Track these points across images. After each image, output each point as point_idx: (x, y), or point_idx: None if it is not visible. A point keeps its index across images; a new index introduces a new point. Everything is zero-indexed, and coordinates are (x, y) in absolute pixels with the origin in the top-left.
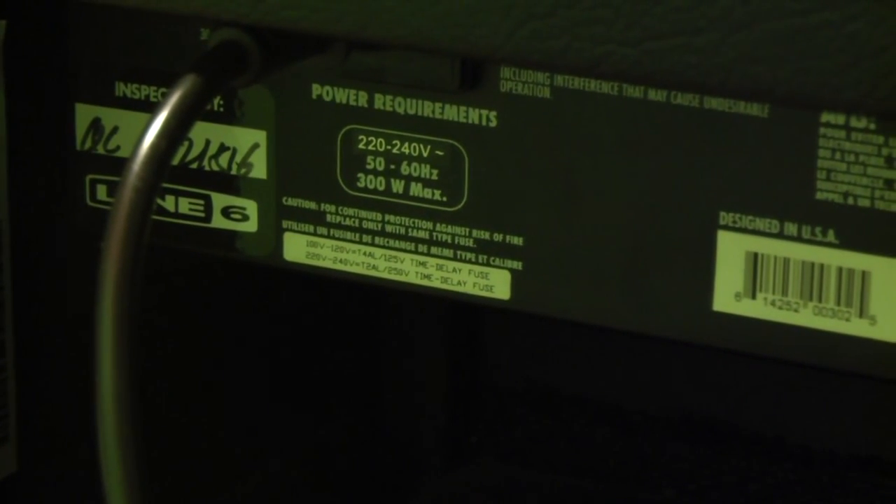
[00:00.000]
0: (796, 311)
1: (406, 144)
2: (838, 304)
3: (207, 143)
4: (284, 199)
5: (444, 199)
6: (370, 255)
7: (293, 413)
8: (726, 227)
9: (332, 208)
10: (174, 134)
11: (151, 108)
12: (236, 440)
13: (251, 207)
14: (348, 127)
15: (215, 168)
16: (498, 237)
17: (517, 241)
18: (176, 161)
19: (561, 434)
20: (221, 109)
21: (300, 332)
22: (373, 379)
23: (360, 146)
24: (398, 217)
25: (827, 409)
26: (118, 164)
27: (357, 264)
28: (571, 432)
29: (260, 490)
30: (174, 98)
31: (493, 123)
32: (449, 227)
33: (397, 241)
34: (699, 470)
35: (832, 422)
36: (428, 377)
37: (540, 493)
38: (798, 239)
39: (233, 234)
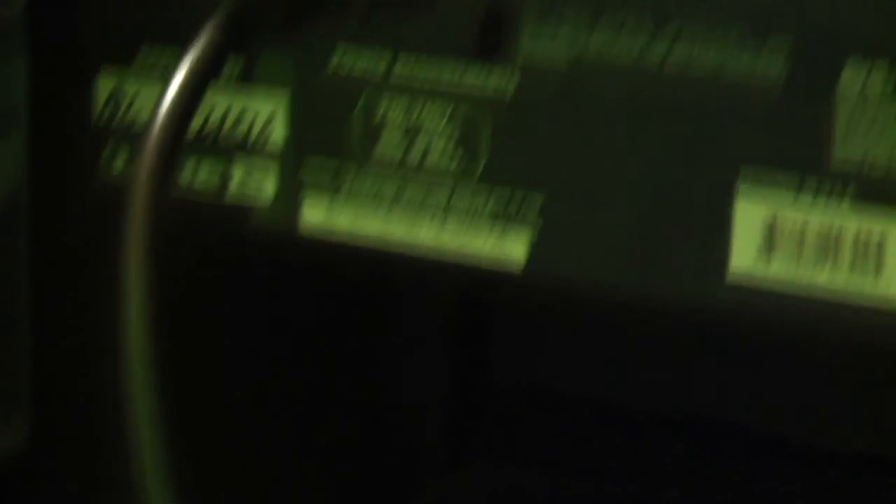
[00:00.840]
0: (811, 276)
1: (425, 110)
2: (853, 269)
3: (227, 111)
4: (302, 167)
5: (462, 164)
6: (387, 221)
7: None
8: (743, 193)
9: (350, 175)
10: (192, 95)
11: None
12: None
13: (268, 176)
14: (367, 92)
15: (232, 137)
16: (514, 203)
17: (534, 206)
18: (192, 130)
19: (565, 434)
20: (240, 77)
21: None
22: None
23: (380, 111)
24: (416, 183)
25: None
26: (136, 137)
27: (374, 231)
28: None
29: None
30: (191, 58)
31: (513, 88)
32: (466, 192)
33: (414, 207)
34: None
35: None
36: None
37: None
38: (814, 203)
39: (249, 204)
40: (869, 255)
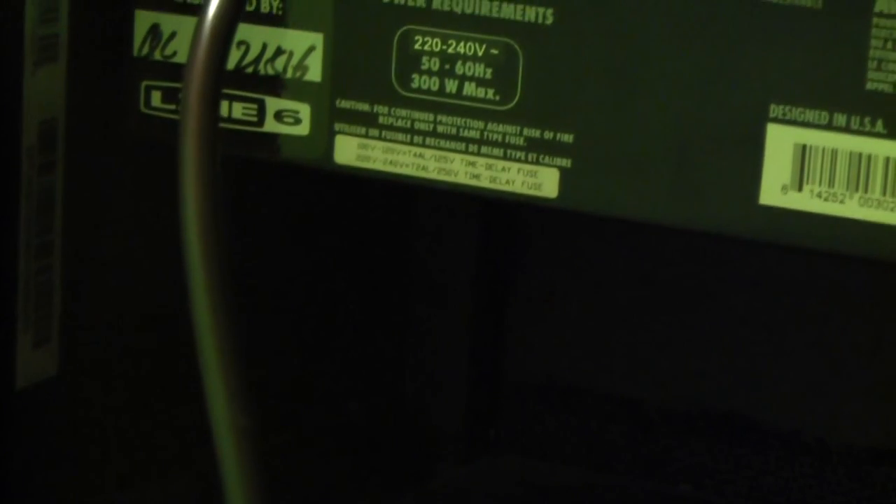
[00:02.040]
0: (842, 202)
1: (462, 44)
2: (884, 194)
3: (264, 46)
4: (338, 101)
5: (497, 97)
6: (420, 155)
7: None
8: (776, 120)
9: (385, 110)
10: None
11: None
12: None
13: (304, 110)
14: (405, 27)
15: (270, 72)
16: (548, 135)
17: (567, 138)
18: (231, 66)
19: (579, 428)
20: (279, 12)
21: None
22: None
23: (416, 47)
24: (450, 117)
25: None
26: (174, 71)
27: (407, 165)
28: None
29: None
30: None
31: (549, 21)
32: (500, 126)
33: (448, 142)
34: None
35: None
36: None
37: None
38: (846, 130)
39: (285, 138)
40: None
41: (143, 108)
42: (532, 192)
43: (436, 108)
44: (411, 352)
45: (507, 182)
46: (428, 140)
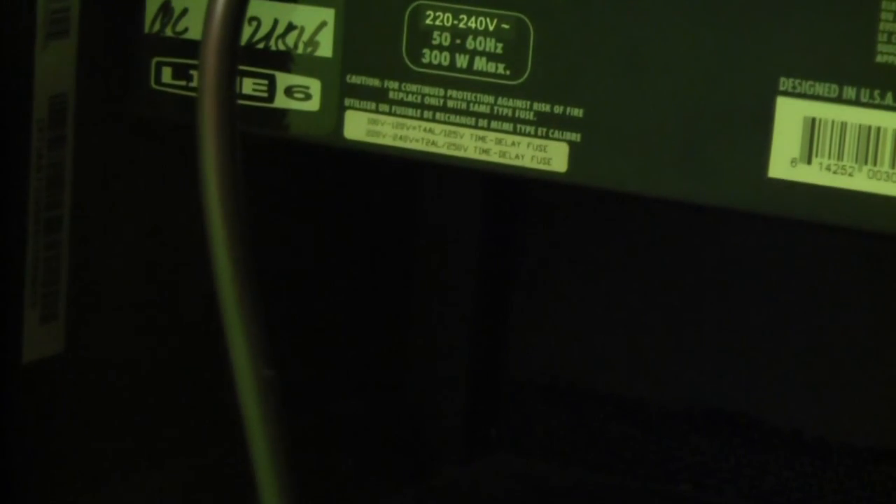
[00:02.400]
0: (851, 175)
1: (473, 18)
2: (894, 167)
3: (275, 22)
4: (348, 76)
5: (508, 72)
6: (430, 130)
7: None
8: (785, 93)
9: (395, 85)
10: None
11: None
12: None
13: (314, 86)
14: (416, 2)
15: (281, 47)
16: (558, 110)
17: (577, 113)
18: (242, 42)
19: (580, 428)
20: None
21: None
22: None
23: (428, 21)
24: (460, 92)
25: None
26: (185, 47)
27: (416, 140)
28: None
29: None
30: None
31: None
32: (510, 100)
33: (458, 116)
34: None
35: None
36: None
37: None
38: (856, 103)
39: (295, 114)
40: None
41: (153, 85)
42: (541, 166)
43: (446, 82)
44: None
45: (517, 157)
46: (438, 115)
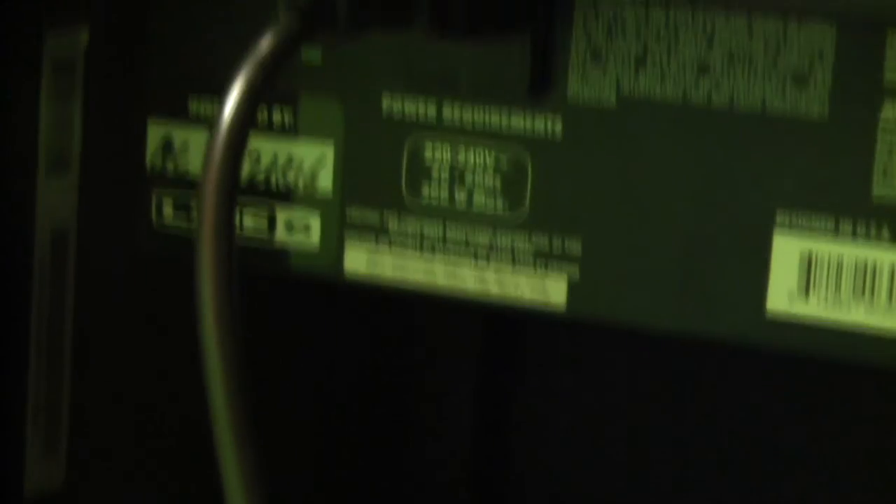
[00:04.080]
0: (848, 310)
1: (472, 153)
2: (890, 302)
3: (275, 156)
4: (348, 211)
5: (506, 207)
6: (430, 263)
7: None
8: (782, 228)
9: (395, 219)
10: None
11: None
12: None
13: (314, 220)
14: (415, 136)
15: (281, 182)
16: (557, 245)
17: (575, 248)
18: (242, 175)
19: None
20: (290, 123)
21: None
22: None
23: (427, 155)
24: (459, 226)
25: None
26: (186, 184)
27: (417, 273)
28: None
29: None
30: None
31: (559, 131)
32: (509, 235)
33: (457, 250)
34: None
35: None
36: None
37: None
38: (852, 238)
39: (294, 250)
40: None
41: (154, 223)
42: (540, 299)
43: (446, 216)
44: (411, 478)
45: (516, 291)
46: (437, 249)
